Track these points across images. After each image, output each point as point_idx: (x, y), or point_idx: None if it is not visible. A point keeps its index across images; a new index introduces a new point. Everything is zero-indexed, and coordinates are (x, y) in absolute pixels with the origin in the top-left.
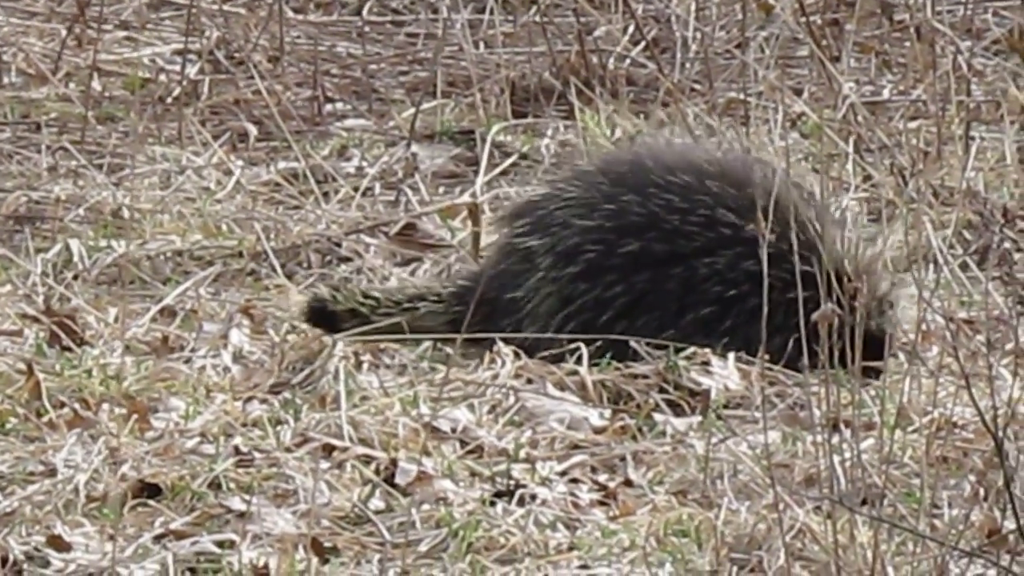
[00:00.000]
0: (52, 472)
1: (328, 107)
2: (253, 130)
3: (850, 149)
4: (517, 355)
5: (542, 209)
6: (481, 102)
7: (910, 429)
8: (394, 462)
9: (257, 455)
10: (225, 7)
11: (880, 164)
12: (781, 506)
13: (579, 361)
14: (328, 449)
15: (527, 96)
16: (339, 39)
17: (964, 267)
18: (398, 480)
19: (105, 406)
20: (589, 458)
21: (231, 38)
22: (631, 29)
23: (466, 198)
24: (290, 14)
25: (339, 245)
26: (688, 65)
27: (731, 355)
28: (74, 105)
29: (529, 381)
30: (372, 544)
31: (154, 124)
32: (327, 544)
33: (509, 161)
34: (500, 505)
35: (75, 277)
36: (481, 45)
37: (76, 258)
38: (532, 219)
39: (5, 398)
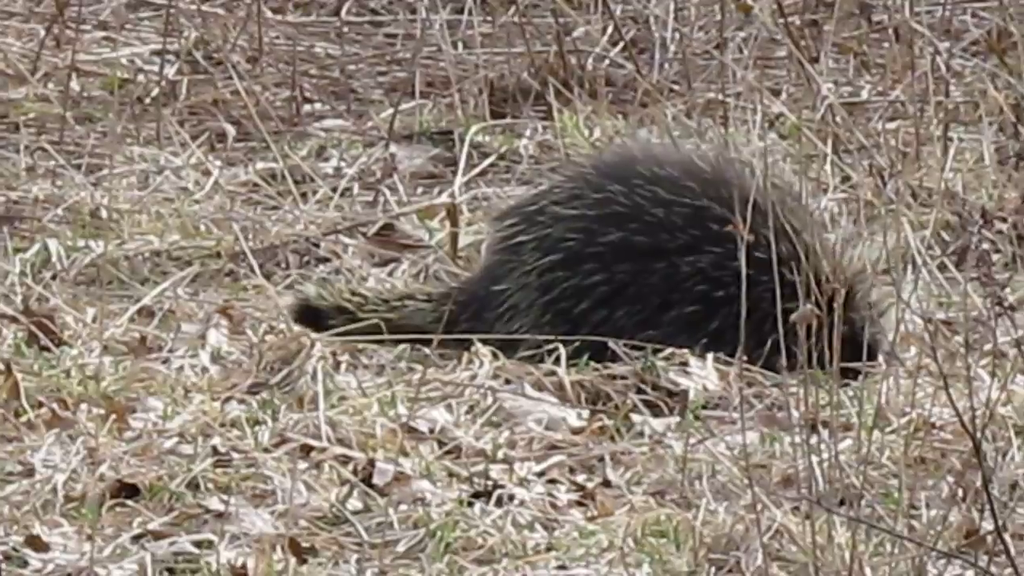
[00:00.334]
0: (30, 472)
1: (306, 107)
2: (231, 130)
3: (829, 150)
4: (495, 355)
5: (532, 206)
6: (459, 103)
7: (888, 430)
8: (372, 462)
9: (235, 455)
10: (203, 7)
11: (859, 165)
12: (759, 507)
13: (557, 361)
14: (306, 449)
15: (505, 97)
16: (317, 39)
17: (943, 268)
18: (376, 480)
19: (83, 406)
20: (567, 459)
21: (209, 38)
22: (610, 30)
23: (444, 199)
24: (269, 14)
25: (317, 246)
26: (667, 66)
27: (709, 356)
28: (52, 105)
29: (507, 381)
30: (350, 544)
31: (132, 124)
32: (305, 544)
33: (488, 162)
34: (478, 506)
35: (53, 277)
36: (460, 45)
37: (54, 258)
38: (521, 216)
39: None
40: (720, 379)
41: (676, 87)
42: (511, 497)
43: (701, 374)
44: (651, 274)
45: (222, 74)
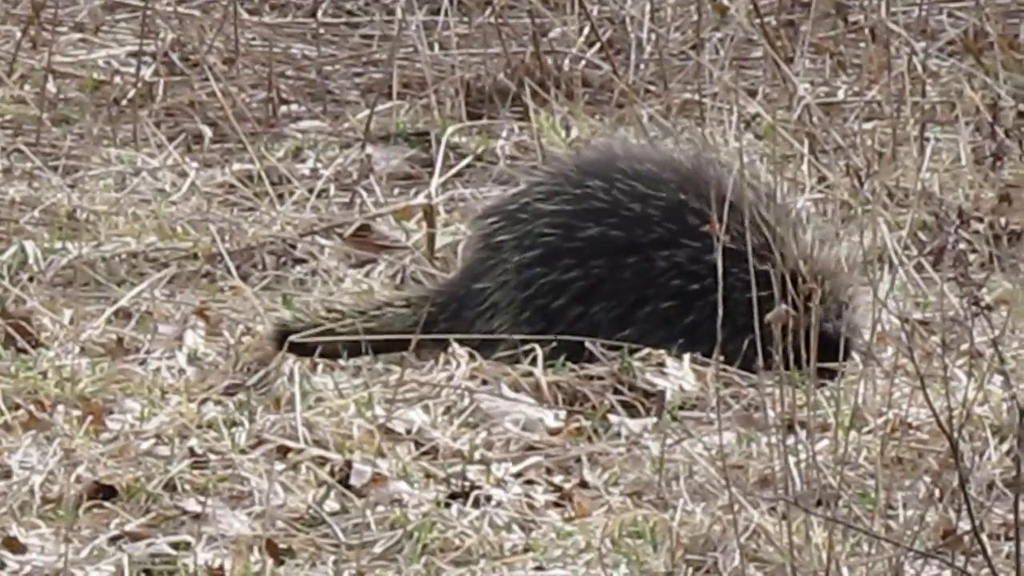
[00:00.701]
0: (7, 474)
1: (283, 109)
2: (208, 132)
3: (805, 150)
4: (472, 356)
5: (513, 204)
6: (436, 103)
7: (865, 430)
8: (349, 464)
9: (212, 457)
10: (180, 9)
11: (835, 165)
12: (736, 507)
13: (534, 362)
14: (283, 451)
15: (482, 97)
16: (294, 41)
17: (919, 268)
18: (353, 482)
19: (60, 408)
20: (544, 459)
21: (186, 40)
22: (586, 30)
23: (421, 200)
24: (245, 16)
25: (294, 247)
26: (643, 66)
27: (686, 356)
28: (29, 107)
29: (484, 382)
30: (327, 546)
31: (109, 126)
32: (282, 546)
33: (464, 162)
34: (455, 507)
35: (30, 279)
36: (436, 46)
37: (31, 260)
38: (503, 214)
39: None
40: (697, 380)
41: (652, 88)
42: (488, 498)
43: (678, 375)
44: (626, 269)
45: (198, 75)
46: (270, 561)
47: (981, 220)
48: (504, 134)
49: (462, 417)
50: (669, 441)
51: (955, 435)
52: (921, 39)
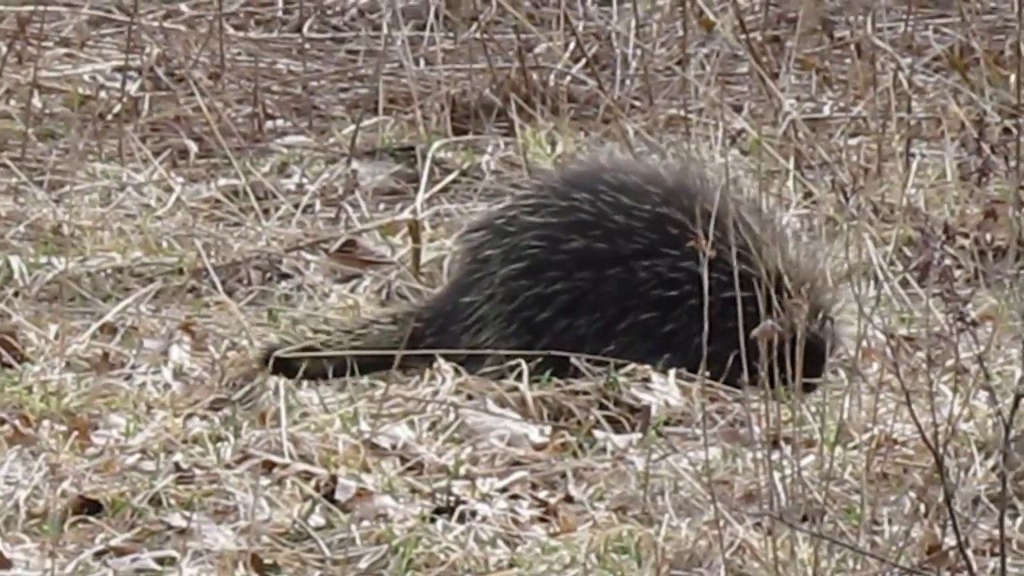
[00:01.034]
0: None
1: (268, 124)
2: (193, 147)
3: (791, 166)
4: (457, 371)
5: (500, 218)
6: (421, 119)
7: (850, 446)
8: (334, 479)
9: (197, 472)
10: (165, 24)
11: (821, 181)
12: (721, 522)
13: (520, 377)
14: (268, 466)
15: (467, 113)
16: (279, 56)
17: (905, 284)
18: (338, 496)
19: (46, 422)
20: (529, 474)
21: (171, 55)
22: (572, 46)
23: (407, 215)
24: (230, 31)
25: (279, 262)
26: (629, 82)
27: (671, 371)
28: (14, 122)
29: (469, 397)
30: (312, 560)
31: (94, 141)
32: (267, 560)
33: (450, 178)
34: (440, 522)
35: (15, 294)
36: (422, 62)
37: (16, 275)
38: (490, 228)
39: None
40: (682, 395)
41: (638, 103)
42: (473, 513)
43: (663, 390)
44: (609, 281)
45: (184, 90)
46: None
47: (967, 236)
48: (490, 149)
49: (447, 432)
50: (654, 456)
51: (940, 451)
52: (907, 55)
